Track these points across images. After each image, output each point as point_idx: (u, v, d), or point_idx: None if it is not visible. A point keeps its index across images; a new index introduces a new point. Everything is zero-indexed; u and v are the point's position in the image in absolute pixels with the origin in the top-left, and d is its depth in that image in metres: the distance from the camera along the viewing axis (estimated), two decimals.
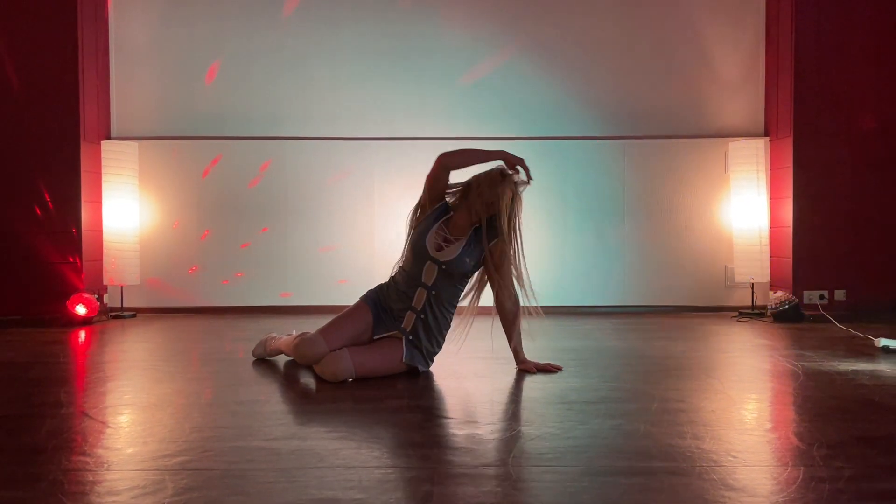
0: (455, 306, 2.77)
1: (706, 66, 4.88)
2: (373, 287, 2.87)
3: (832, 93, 4.51)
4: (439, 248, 2.66)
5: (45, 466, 1.69)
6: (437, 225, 2.71)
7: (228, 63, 4.83)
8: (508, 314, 2.75)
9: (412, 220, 2.80)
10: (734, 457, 1.75)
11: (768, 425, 2.12)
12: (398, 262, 2.83)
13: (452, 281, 2.69)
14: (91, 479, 1.63)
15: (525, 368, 2.75)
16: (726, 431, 1.99)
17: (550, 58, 4.86)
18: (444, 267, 2.66)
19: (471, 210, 2.66)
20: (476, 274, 2.79)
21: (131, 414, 2.20)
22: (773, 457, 1.79)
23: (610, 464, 1.72)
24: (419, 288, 2.68)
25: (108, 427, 2.06)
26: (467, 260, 2.67)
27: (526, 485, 1.58)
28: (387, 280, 2.84)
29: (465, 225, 2.70)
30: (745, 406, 2.31)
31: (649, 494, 1.51)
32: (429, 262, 2.67)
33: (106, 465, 1.71)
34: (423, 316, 2.69)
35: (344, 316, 2.77)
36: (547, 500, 1.50)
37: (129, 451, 1.83)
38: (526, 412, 2.24)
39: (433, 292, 2.68)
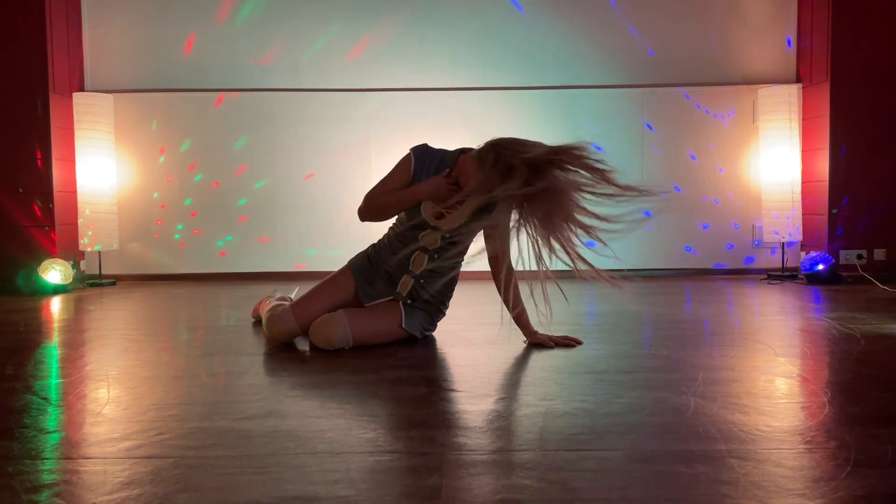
0: (459, 266, 2.39)
1: (732, 6, 4.46)
2: (360, 252, 2.51)
3: (874, 32, 4.10)
4: (439, 216, 2.28)
5: None
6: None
7: (210, 12, 4.42)
8: (504, 277, 2.34)
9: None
10: (807, 439, 1.41)
11: (841, 398, 1.77)
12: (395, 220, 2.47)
13: (456, 247, 2.33)
14: (10, 470, 1.29)
15: (538, 342, 2.35)
16: (788, 406, 1.64)
17: (561, 0, 4.45)
18: (447, 236, 2.30)
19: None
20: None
21: (84, 389, 1.87)
22: (856, 439, 1.45)
23: (662, 447, 1.38)
24: (418, 252, 2.34)
25: (54, 406, 1.72)
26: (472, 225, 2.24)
27: (559, 475, 1.24)
28: (380, 239, 2.48)
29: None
30: (800, 374, 1.96)
31: (720, 487, 1.17)
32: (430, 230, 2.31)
33: (35, 453, 1.38)
34: (422, 280, 2.37)
35: (323, 285, 2.43)
36: (588, 495, 1.16)
37: (69, 434, 1.50)
38: (549, 384, 1.88)
39: (435, 256, 2.34)
